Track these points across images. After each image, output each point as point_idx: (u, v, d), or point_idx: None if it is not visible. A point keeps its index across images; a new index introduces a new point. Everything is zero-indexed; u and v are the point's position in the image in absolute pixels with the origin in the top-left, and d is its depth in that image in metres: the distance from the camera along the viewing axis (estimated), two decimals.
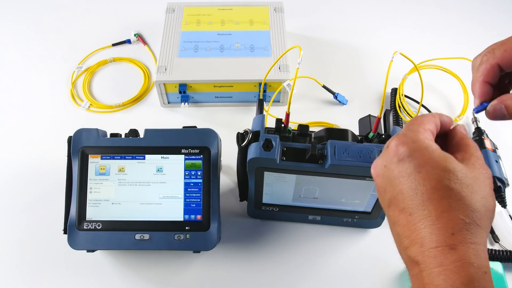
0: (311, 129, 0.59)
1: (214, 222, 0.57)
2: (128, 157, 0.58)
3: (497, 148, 0.73)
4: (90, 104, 0.81)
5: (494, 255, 0.61)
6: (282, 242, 0.65)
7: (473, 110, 0.37)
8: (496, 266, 0.57)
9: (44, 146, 0.75)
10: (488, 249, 0.62)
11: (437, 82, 0.85)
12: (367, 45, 0.94)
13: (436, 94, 0.84)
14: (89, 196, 0.58)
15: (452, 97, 0.84)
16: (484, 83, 0.36)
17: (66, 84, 0.85)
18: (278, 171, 0.54)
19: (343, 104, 0.82)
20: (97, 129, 0.59)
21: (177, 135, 0.59)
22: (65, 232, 0.58)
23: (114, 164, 0.58)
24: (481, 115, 0.79)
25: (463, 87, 0.84)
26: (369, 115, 0.61)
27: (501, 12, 1.04)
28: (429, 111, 0.80)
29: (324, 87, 0.81)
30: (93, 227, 0.57)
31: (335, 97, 0.82)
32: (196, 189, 0.58)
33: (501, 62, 0.36)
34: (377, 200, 0.58)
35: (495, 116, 0.36)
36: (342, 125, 0.78)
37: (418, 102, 0.81)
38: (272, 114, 0.77)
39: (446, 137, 0.38)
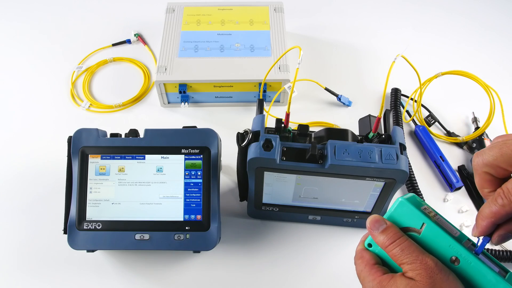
0: (311, 129, 0.59)
1: (214, 222, 0.57)
2: (128, 157, 0.58)
3: None
4: (90, 104, 0.81)
5: (494, 255, 0.61)
6: (282, 242, 0.65)
7: (476, 250, 0.35)
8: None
9: (44, 146, 0.75)
10: (488, 249, 0.62)
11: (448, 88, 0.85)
12: (367, 46, 0.94)
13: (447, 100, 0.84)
14: (89, 196, 0.58)
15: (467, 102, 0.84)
16: (494, 224, 0.34)
17: (66, 84, 0.85)
18: (278, 171, 0.54)
19: (348, 106, 0.82)
20: (97, 129, 0.59)
21: (177, 135, 0.58)
22: (65, 232, 0.58)
23: (114, 164, 0.58)
24: (479, 114, 0.79)
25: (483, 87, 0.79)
26: (369, 115, 0.61)
27: (501, 12, 1.04)
28: (430, 113, 0.80)
29: (327, 89, 0.81)
30: (93, 227, 0.57)
31: (339, 99, 0.81)
32: (196, 189, 0.58)
33: None
34: (377, 200, 0.58)
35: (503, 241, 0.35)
36: (342, 125, 0.78)
37: (429, 111, 0.81)
38: (272, 114, 0.78)
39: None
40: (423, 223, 0.36)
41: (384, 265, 0.38)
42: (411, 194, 0.38)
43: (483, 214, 0.34)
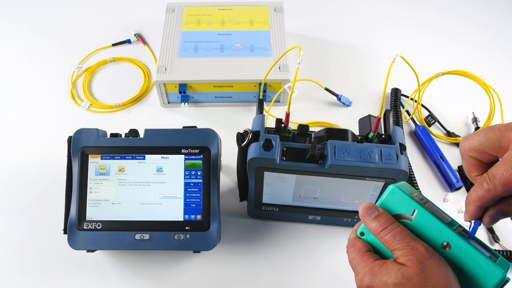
0: (311, 129, 0.59)
1: (214, 222, 0.57)
2: (128, 157, 0.58)
3: None
4: (90, 104, 0.81)
5: None
6: (282, 242, 0.65)
7: (468, 234, 0.36)
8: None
9: (44, 146, 0.75)
10: None
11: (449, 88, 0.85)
12: (367, 46, 0.94)
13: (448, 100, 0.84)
14: (89, 196, 0.58)
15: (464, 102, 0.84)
16: (481, 208, 0.35)
17: (66, 84, 0.85)
18: (278, 171, 0.54)
19: (348, 106, 0.82)
20: (97, 129, 0.59)
21: (177, 135, 0.58)
22: (65, 232, 0.58)
23: (114, 164, 0.58)
24: (479, 114, 0.79)
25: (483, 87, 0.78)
26: (369, 115, 0.61)
27: (501, 12, 1.04)
28: (430, 113, 0.80)
29: (327, 89, 0.81)
30: (93, 227, 0.57)
31: (339, 99, 0.81)
32: (196, 189, 0.58)
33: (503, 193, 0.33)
34: (377, 200, 0.58)
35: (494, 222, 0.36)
36: (342, 125, 0.78)
37: (429, 111, 0.81)
38: (272, 114, 0.78)
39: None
40: (414, 210, 0.36)
41: (376, 253, 0.39)
42: (403, 182, 0.39)
43: (470, 198, 0.35)
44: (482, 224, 0.35)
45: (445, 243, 0.35)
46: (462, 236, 0.35)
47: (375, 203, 0.38)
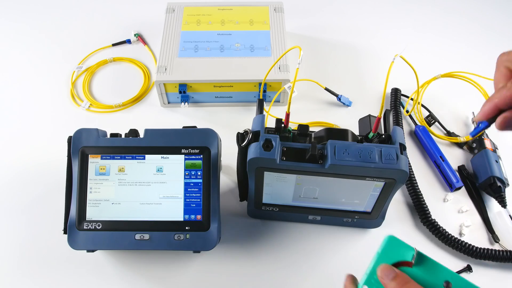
0: (311, 129, 0.59)
1: (214, 222, 0.57)
2: (128, 157, 0.58)
3: (497, 148, 0.73)
4: (90, 104, 0.81)
5: (494, 255, 0.61)
6: (282, 242, 0.65)
7: (470, 133, 0.37)
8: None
9: (44, 146, 0.75)
10: (488, 249, 0.62)
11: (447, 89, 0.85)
12: (367, 46, 0.94)
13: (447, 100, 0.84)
14: (89, 196, 0.58)
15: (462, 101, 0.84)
16: (497, 108, 0.36)
17: (66, 84, 0.85)
18: (278, 171, 0.54)
19: (348, 106, 0.82)
20: (97, 129, 0.59)
21: (177, 135, 0.59)
22: (65, 232, 0.58)
23: (114, 164, 0.58)
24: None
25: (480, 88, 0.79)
26: (369, 115, 0.61)
27: (501, 12, 1.04)
28: (430, 113, 0.80)
29: (327, 89, 0.81)
30: (93, 227, 0.57)
31: (339, 99, 0.81)
32: (196, 189, 0.58)
33: None
34: (377, 200, 0.58)
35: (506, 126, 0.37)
36: (342, 125, 0.78)
37: (429, 111, 0.81)
38: (272, 114, 0.78)
39: None
40: (414, 255, 0.37)
41: None
42: (390, 235, 0.40)
43: (490, 98, 0.36)
44: (491, 126, 0.36)
45: (445, 284, 0.36)
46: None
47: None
